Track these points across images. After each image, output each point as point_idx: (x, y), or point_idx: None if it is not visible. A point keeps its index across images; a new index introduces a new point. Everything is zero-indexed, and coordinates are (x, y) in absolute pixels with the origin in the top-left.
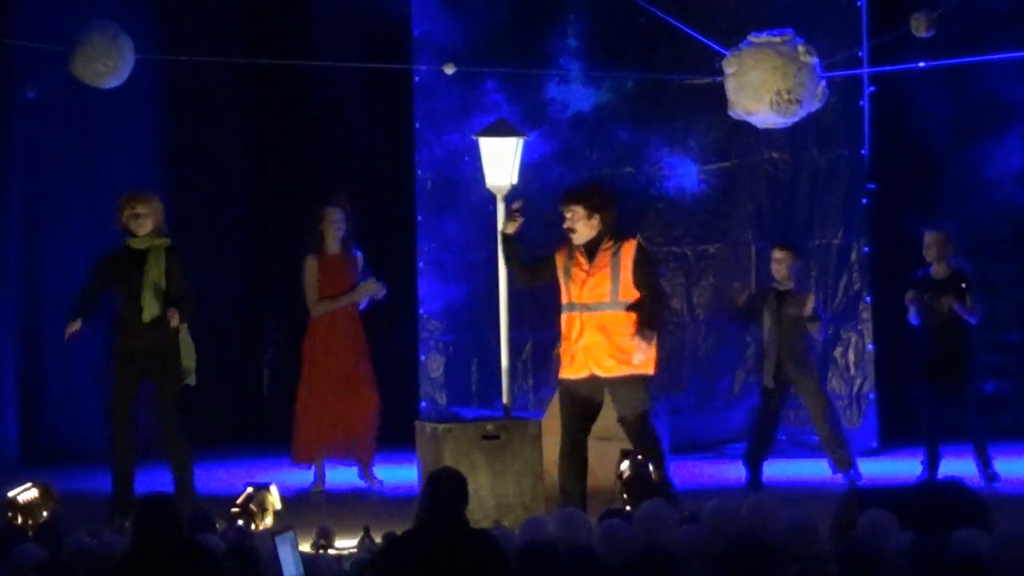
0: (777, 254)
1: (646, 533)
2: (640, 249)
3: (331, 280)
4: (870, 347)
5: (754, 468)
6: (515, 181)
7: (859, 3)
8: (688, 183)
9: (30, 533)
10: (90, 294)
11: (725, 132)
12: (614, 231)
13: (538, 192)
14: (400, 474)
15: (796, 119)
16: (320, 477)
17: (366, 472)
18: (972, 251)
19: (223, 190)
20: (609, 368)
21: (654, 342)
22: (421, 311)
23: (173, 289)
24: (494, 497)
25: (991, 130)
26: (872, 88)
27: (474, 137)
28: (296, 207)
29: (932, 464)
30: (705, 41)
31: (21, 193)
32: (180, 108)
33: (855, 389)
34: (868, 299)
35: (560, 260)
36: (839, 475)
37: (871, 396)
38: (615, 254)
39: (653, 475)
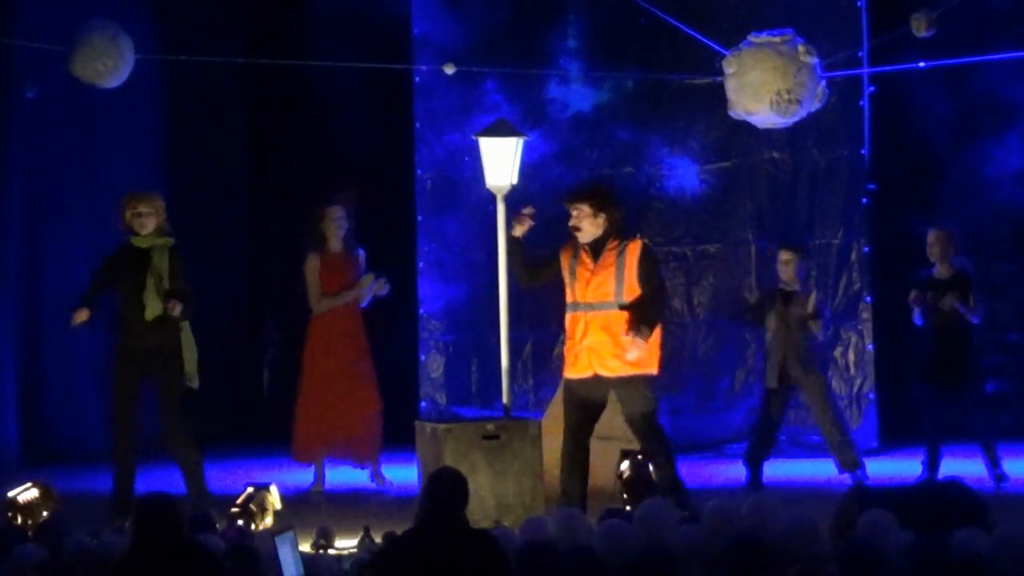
0: (784, 255)
1: (646, 533)
2: (645, 250)
3: (333, 278)
4: (870, 347)
5: (754, 468)
6: (515, 181)
7: (859, 3)
8: (688, 183)
9: (30, 533)
10: (92, 293)
11: (725, 132)
12: (620, 230)
13: (538, 192)
14: (400, 474)
15: (796, 119)
16: (320, 477)
17: (376, 472)
18: (972, 251)
19: (223, 190)
20: (613, 368)
21: (648, 340)
22: (421, 311)
23: (175, 288)
24: (494, 497)
25: (991, 130)
26: (872, 88)
27: (474, 137)
28: (296, 207)
29: (933, 464)
30: (705, 41)
31: (21, 193)
32: (180, 108)
33: (855, 389)
34: (868, 299)
35: (565, 259)
36: (846, 475)
37: (871, 396)
38: (620, 253)
39: (664, 476)
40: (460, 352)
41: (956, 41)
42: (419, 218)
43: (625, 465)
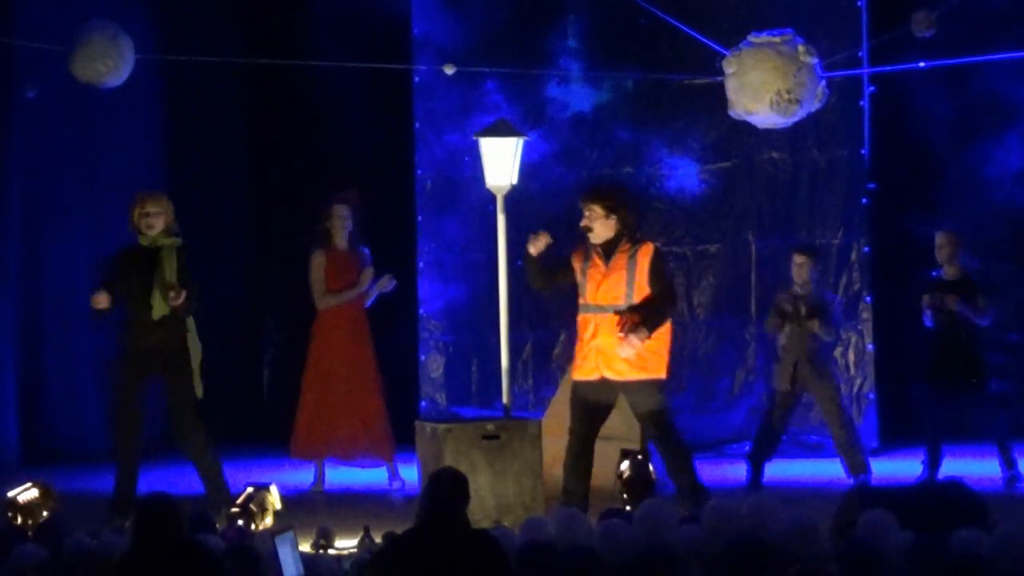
0: (797, 258)
1: (646, 533)
2: (657, 253)
3: (338, 276)
4: (870, 347)
5: (756, 467)
6: (515, 181)
7: (859, 3)
8: (688, 183)
9: (30, 533)
10: (105, 284)
11: (725, 132)
12: (632, 233)
13: (538, 192)
14: (400, 474)
15: (796, 119)
16: (320, 477)
17: (394, 472)
18: (972, 251)
19: (223, 190)
20: (620, 371)
21: (644, 340)
22: (421, 311)
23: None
24: (494, 497)
25: (991, 130)
26: (872, 88)
27: (474, 137)
28: (296, 207)
29: (933, 464)
30: (705, 41)
31: (21, 193)
32: (180, 108)
33: (855, 389)
34: (868, 299)
35: (577, 261)
36: (852, 479)
37: (871, 396)
38: (632, 256)
39: (682, 478)
40: (460, 352)
41: (956, 41)
42: (419, 218)
43: (625, 465)
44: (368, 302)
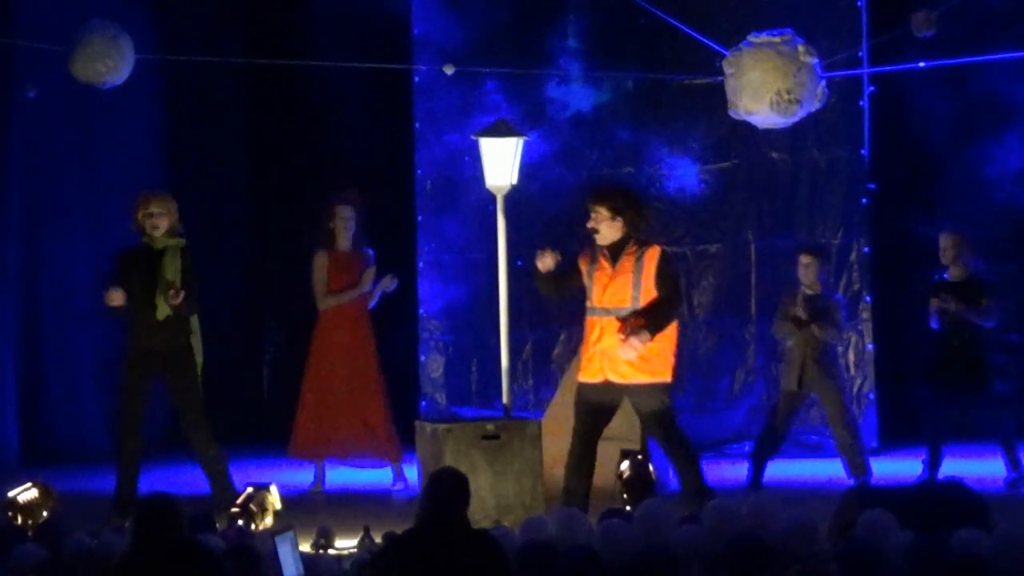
0: (804, 259)
1: (646, 533)
2: (664, 256)
3: (341, 277)
4: (870, 347)
5: (758, 466)
6: (515, 181)
7: (859, 3)
8: (688, 183)
9: (30, 533)
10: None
11: (725, 132)
12: (639, 235)
13: (538, 192)
14: (405, 475)
15: (796, 119)
16: (320, 477)
17: (399, 473)
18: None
19: (223, 190)
20: (625, 374)
21: (646, 343)
22: (421, 311)
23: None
24: (494, 497)
25: (991, 130)
26: (872, 88)
27: (474, 137)
28: (296, 207)
29: (934, 464)
30: (705, 41)
31: (21, 193)
32: (180, 108)
33: (855, 389)
34: (868, 299)
35: (583, 264)
36: (853, 479)
37: (871, 396)
38: (639, 259)
39: (687, 480)
40: (460, 352)
41: (956, 41)
42: (419, 218)
43: (625, 465)
44: (372, 303)
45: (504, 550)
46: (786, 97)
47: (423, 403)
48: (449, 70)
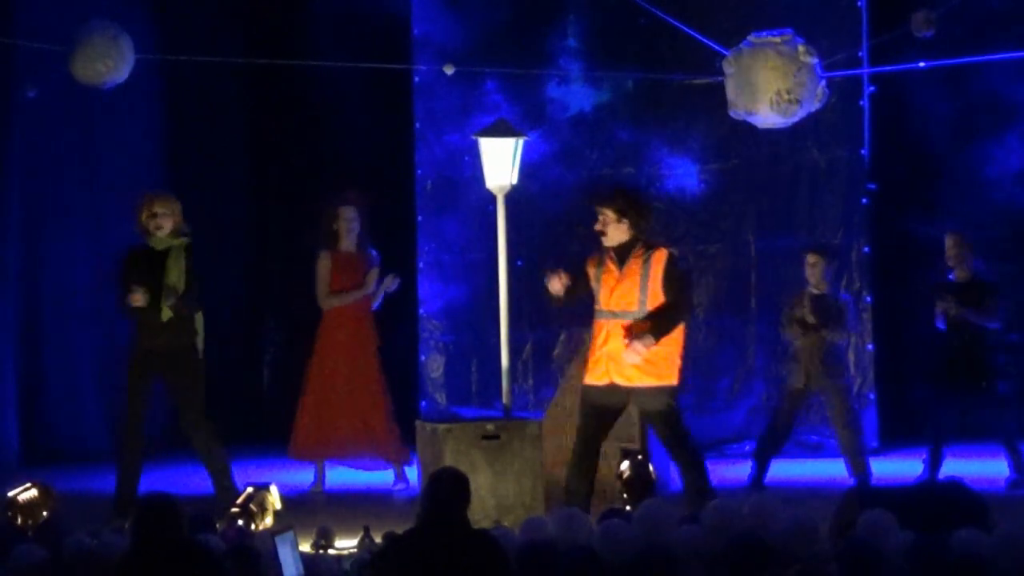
0: (810, 258)
1: (646, 533)
2: (671, 259)
3: (345, 277)
4: (870, 347)
5: (761, 465)
6: (515, 181)
7: (859, 3)
8: (688, 183)
9: (30, 533)
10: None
11: (725, 132)
12: (646, 238)
13: (538, 192)
14: (407, 477)
15: (796, 119)
16: (320, 477)
17: (400, 474)
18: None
19: (223, 190)
20: (630, 377)
21: (650, 348)
22: (421, 311)
23: (184, 286)
24: (494, 497)
25: (991, 130)
26: (872, 88)
27: (474, 137)
28: (296, 207)
29: (935, 464)
30: (705, 41)
31: (21, 193)
32: (180, 108)
33: (855, 389)
34: (868, 299)
35: (591, 268)
36: (854, 479)
37: (871, 396)
38: (646, 262)
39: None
40: (460, 352)
41: (956, 41)
42: (419, 218)
43: (625, 465)
44: (376, 304)
45: (504, 550)
46: (786, 97)
47: (423, 403)
48: (449, 70)
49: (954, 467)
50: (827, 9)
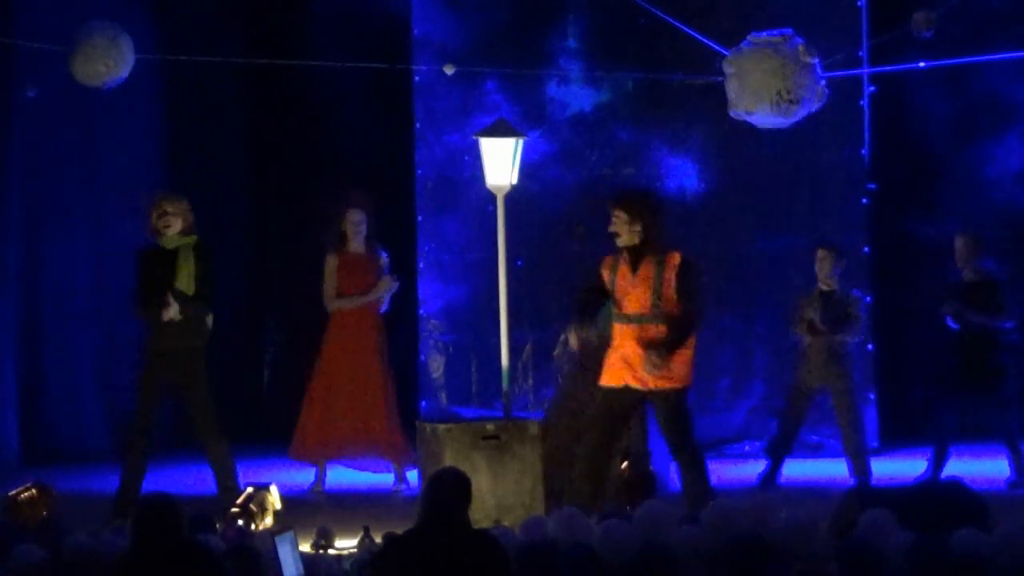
0: (820, 253)
1: (646, 533)
2: (684, 263)
3: (352, 279)
4: (870, 347)
5: (775, 463)
6: (515, 181)
7: (859, 3)
8: (688, 183)
9: (30, 533)
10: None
11: (725, 132)
12: (658, 241)
13: (538, 192)
14: (408, 479)
15: (796, 119)
16: (320, 477)
17: (401, 475)
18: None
19: (223, 190)
20: (645, 380)
21: (667, 361)
22: (421, 311)
23: (196, 287)
24: (494, 497)
25: (991, 130)
26: (872, 88)
27: (474, 137)
28: (296, 207)
29: (938, 464)
30: (705, 41)
31: (21, 193)
32: (180, 108)
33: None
34: (868, 299)
35: (605, 273)
36: (855, 479)
37: (871, 396)
38: (659, 265)
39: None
40: (460, 352)
41: (956, 41)
42: (419, 218)
43: (625, 465)
44: (383, 307)
45: (504, 550)
46: (786, 97)
47: (423, 403)
48: (449, 70)
49: (955, 467)
50: (827, 9)
